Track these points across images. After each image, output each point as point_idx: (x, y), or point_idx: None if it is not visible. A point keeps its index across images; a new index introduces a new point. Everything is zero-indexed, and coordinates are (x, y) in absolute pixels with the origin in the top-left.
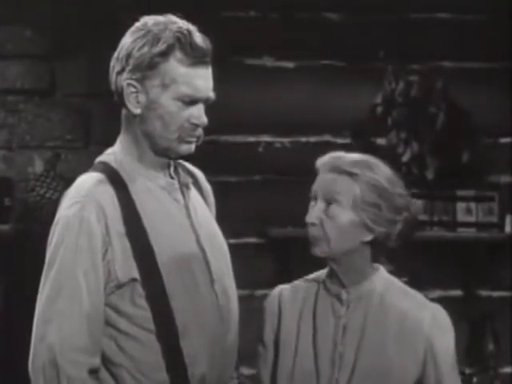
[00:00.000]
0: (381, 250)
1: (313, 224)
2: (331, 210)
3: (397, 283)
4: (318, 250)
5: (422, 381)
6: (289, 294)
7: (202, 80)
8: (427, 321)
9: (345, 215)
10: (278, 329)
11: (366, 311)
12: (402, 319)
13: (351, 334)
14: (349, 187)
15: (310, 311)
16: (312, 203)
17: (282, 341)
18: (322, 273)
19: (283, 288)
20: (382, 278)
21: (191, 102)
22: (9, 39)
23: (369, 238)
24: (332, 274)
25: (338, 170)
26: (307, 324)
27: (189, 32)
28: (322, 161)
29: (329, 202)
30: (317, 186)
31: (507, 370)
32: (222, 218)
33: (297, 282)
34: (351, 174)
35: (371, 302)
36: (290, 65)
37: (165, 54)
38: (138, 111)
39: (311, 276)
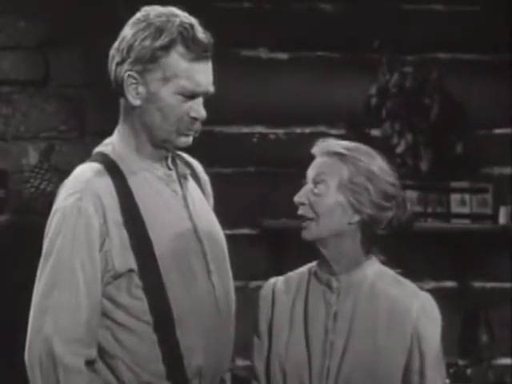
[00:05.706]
0: (373, 238)
1: (301, 203)
2: (318, 190)
3: (389, 272)
4: (307, 233)
5: (407, 367)
6: (282, 285)
7: (203, 74)
8: (416, 308)
9: (331, 195)
10: (271, 319)
11: (356, 299)
12: (391, 306)
13: (341, 322)
14: (336, 168)
15: (302, 300)
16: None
17: (275, 329)
18: (314, 264)
19: (277, 279)
20: (374, 268)
21: (191, 95)
22: (2, 30)
23: (355, 219)
24: (323, 263)
25: (329, 152)
26: (299, 312)
27: (191, 26)
28: (317, 146)
29: (316, 183)
30: (309, 169)
31: (501, 361)
32: (216, 209)
33: (290, 274)
34: (340, 155)
35: (361, 289)
36: (284, 56)
37: (167, 48)
38: (137, 103)
39: (304, 267)
